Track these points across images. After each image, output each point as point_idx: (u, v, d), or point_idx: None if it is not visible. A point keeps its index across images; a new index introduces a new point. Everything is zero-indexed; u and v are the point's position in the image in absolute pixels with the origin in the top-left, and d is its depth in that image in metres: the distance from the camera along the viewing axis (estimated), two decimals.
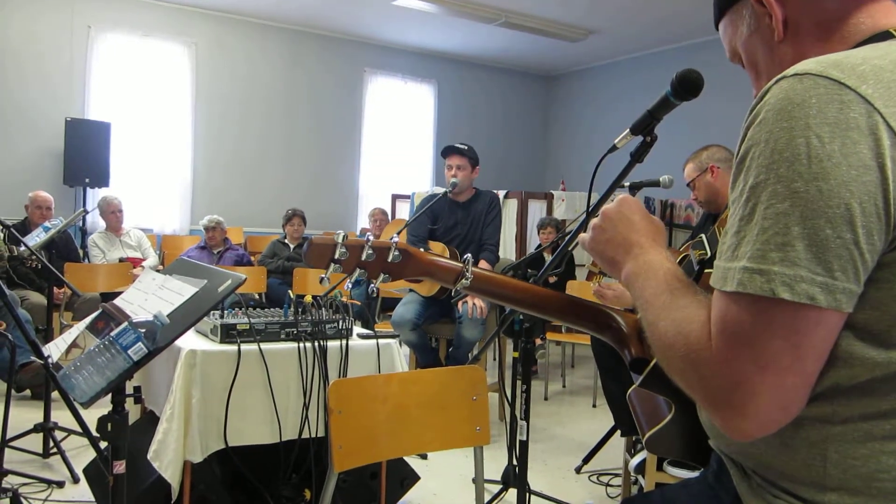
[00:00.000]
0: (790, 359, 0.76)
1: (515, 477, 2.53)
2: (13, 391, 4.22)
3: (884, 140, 0.74)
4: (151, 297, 1.74)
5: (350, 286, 1.19)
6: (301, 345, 2.42)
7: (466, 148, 4.25)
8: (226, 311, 2.47)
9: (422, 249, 1.14)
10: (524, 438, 2.43)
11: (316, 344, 2.45)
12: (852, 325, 0.79)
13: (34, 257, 3.05)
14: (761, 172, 0.78)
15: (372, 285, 1.09)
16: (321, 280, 1.07)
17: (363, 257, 1.06)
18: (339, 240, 1.05)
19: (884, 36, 0.88)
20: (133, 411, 2.72)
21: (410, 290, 4.30)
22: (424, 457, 3.45)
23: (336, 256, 1.04)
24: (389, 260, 1.08)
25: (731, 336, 0.79)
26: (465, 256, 1.14)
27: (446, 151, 4.29)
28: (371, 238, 1.07)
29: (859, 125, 0.74)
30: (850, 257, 0.74)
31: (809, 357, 0.77)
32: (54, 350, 1.82)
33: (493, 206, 4.31)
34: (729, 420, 0.80)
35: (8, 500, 2.57)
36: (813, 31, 0.93)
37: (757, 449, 0.90)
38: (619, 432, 3.13)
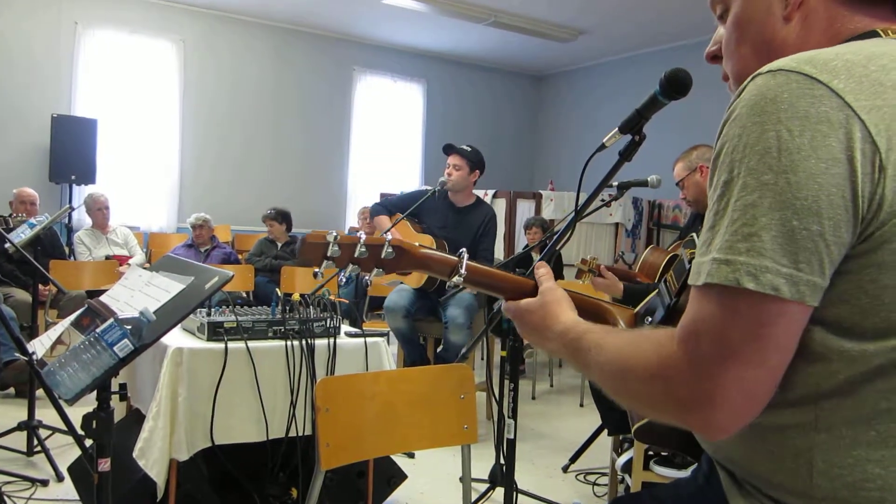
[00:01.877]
0: (751, 350, 0.76)
1: (503, 476, 2.54)
2: None
3: (854, 133, 0.75)
4: (138, 293, 1.73)
5: (343, 280, 1.20)
6: (288, 343, 2.42)
7: (469, 150, 4.20)
8: (213, 309, 2.46)
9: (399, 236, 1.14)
10: (512, 437, 2.44)
11: (303, 342, 2.44)
12: (824, 321, 0.79)
13: (15, 251, 3.02)
14: (734, 167, 0.78)
15: (366, 278, 1.10)
16: (315, 274, 1.08)
17: (356, 254, 1.07)
18: (331, 238, 1.05)
19: (870, 35, 0.88)
20: (118, 409, 2.71)
21: (400, 283, 4.30)
22: (412, 455, 3.45)
23: (328, 254, 1.05)
24: (383, 256, 1.08)
25: (696, 331, 0.79)
26: (460, 251, 1.15)
27: (447, 149, 4.27)
28: (363, 235, 1.07)
29: (829, 119, 0.75)
30: (816, 249, 0.75)
31: (771, 349, 0.77)
32: (39, 347, 1.80)
33: (489, 222, 4.26)
34: (700, 416, 0.80)
35: None
36: (819, 22, 0.92)
37: (745, 456, 0.90)
38: (606, 431, 3.14)
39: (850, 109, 0.75)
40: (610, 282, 3.13)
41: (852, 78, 0.77)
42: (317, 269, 1.07)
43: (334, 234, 1.06)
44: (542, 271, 1.19)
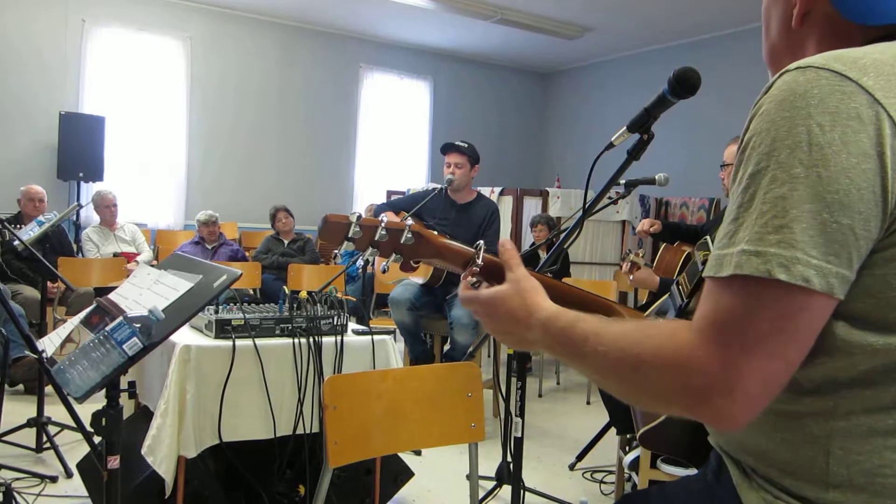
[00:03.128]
0: (775, 343, 0.76)
1: (510, 474, 2.54)
2: (6, 385, 4.22)
3: (885, 130, 0.75)
4: (146, 292, 1.73)
5: (362, 262, 1.21)
6: (296, 340, 2.42)
7: (466, 146, 4.21)
8: (220, 307, 2.46)
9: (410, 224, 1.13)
10: (519, 435, 2.44)
11: (311, 339, 2.44)
12: (849, 315, 0.79)
13: (24, 248, 3.04)
14: (762, 160, 0.79)
15: (384, 264, 1.11)
16: (334, 256, 1.10)
17: (376, 237, 1.08)
18: (354, 219, 1.07)
19: (889, 38, 0.88)
20: (127, 406, 2.72)
21: (406, 280, 4.31)
22: (419, 453, 3.45)
23: (350, 235, 1.06)
24: (402, 241, 1.09)
25: (721, 324, 0.78)
26: (477, 243, 1.15)
27: (445, 148, 4.27)
28: (385, 219, 1.09)
29: (860, 115, 0.76)
30: (845, 242, 0.75)
31: (794, 342, 0.77)
32: (49, 345, 1.81)
33: (492, 218, 4.26)
34: (715, 407, 0.78)
35: (0, 495, 2.56)
36: (827, 37, 0.94)
37: (758, 445, 0.90)
38: (612, 429, 3.14)
39: (879, 106, 0.76)
40: (646, 274, 3.17)
41: (881, 75, 0.78)
42: (336, 251, 1.08)
43: (357, 214, 1.07)
44: (511, 254, 1.08)
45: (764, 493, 0.90)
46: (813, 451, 0.84)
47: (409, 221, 1.10)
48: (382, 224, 1.08)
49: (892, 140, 0.75)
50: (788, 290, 0.75)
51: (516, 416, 2.46)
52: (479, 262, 1.12)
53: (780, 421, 0.86)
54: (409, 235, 1.09)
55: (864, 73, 0.78)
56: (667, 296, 1.15)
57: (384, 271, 1.15)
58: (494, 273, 1.12)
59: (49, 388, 3.36)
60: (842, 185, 0.75)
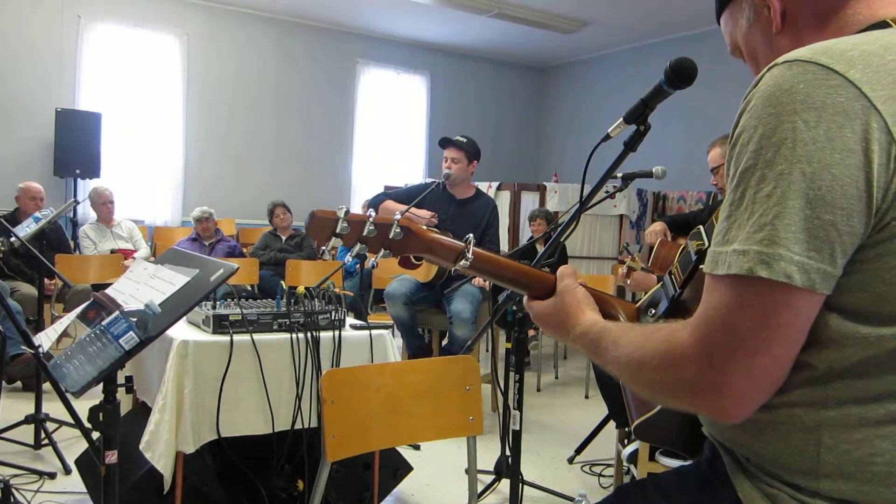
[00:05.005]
0: (760, 339, 0.78)
1: (508, 467, 2.54)
2: (4, 383, 4.22)
3: (871, 124, 0.75)
4: (143, 286, 1.73)
5: (349, 260, 1.18)
6: (294, 335, 2.42)
7: (465, 141, 4.17)
8: (218, 302, 2.46)
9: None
10: (517, 428, 2.44)
11: (308, 334, 2.44)
12: (842, 308, 0.80)
13: (20, 245, 3.03)
14: (750, 158, 0.80)
15: (372, 260, 1.09)
16: (322, 252, 1.08)
17: (364, 233, 1.06)
18: (341, 215, 1.04)
19: (881, 25, 0.88)
20: (125, 402, 2.71)
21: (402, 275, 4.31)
22: (417, 447, 3.45)
23: (337, 230, 1.04)
24: (391, 237, 1.07)
25: (708, 319, 0.81)
26: (467, 236, 1.14)
27: (443, 143, 4.24)
28: (373, 214, 1.07)
29: (845, 109, 0.75)
30: (828, 238, 0.76)
31: (777, 338, 0.78)
32: (45, 340, 1.81)
33: (493, 216, 4.24)
34: (709, 402, 0.83)
35: None
36: (810, 21, 0.95)
37: (750, 437, 0.90)
38: (611, 423, 3.14)
39: (866, 100, 0.76)
40: (642, 277, 3.23)
41: (869, 68, 0.77)
42: (324, 247, 1.07)
43: (345, 209, 1.05)
44: (564, 272, 1.21)
45: (757, 481, 0.91)
46: (804, 440, 0.84)
47: (398, 215, 1.08)
48: (370, 219, 1.05)
49: (879, 134, 0.75)
50: (771, 287, 0.76)
51: (514, 409, 2.46)
52: (470, 255, 1.12)
53: (773, 411, 0.87)
54: (398, 230, 1.07)
55: (852, 65, 0.77)
56: (659, 285, 1.15)
57: (373, 267, 1.13)
58: (487, 269, 1.17)
59: (47, 385, 3.37)
60: (824, 182, 0.75)
